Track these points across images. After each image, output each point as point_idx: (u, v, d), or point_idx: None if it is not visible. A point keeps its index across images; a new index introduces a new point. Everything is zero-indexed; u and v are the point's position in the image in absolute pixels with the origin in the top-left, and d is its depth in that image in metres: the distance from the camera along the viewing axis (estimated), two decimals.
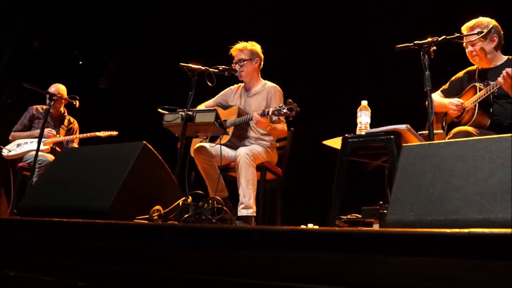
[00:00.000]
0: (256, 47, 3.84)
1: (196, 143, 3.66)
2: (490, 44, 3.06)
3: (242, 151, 3.41)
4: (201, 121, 3.01)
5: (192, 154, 3.58)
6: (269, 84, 3.85)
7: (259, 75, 3.89)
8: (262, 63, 3.86)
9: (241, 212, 3.33)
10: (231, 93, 3.96)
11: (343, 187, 2.87)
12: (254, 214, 3.38)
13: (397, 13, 4.62)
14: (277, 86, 3.82)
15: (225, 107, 3.91)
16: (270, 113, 3.35)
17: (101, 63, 6.79)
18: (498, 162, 1.32)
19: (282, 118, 3.53)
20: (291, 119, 3.41)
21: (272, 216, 3.73)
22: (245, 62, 3.77)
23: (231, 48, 3.84)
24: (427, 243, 1.12)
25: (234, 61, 3.79)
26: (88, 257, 1.66)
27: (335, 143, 3.02)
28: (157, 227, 1.72)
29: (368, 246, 1.18)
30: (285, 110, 3.31)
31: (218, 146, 3.47)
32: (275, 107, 3.37)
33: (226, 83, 3.93)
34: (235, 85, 4.00)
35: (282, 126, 3.67)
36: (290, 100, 3.33)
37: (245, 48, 3.80)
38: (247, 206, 3.34)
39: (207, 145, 3.52)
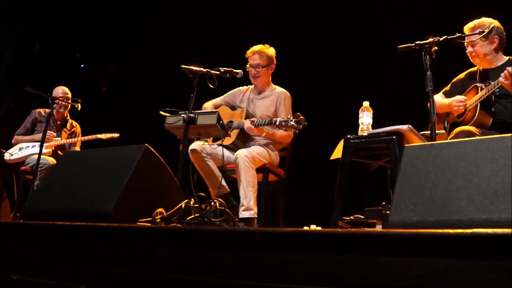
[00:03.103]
0: (273, 51, 3.81)
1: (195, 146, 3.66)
2: (490, 45, 3.05)
3: (241, 152, 3.41)
4: (203, 123, 3.01)
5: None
6: (279, 89, 3.84)
7: (270, 80, 3.89)
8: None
9: (242, 214, 3.34)
10: (239, 94, 3.95)
11: (345, 188, 2.87)
12: (255, 216, 3.38)
13: (399, 14, 4.62)
14: (287, 92, 3.81)
15: (232, 107, 3.91)
16: (277, 124, 3.35)
17: (103, 65, 6.81)
18: (500, 161, 1.32)
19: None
20: (297, 132, 3.40)
21: (275, 217, 3.73)
22: (262, 68, 3.75)
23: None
24: (430, 244, 1.12)
25: (249, 64, 3.77)
26: (91, 260, 1.66)
27: (339, 153, 3.01)
28: (160, 229, 1.72)
29: (371, 247, 1.18)
30: (292, 123, 3.30)
31: (215, 146, 3.48)
32: (283, 118, 3.36)
33: (228, 84, 3.94)
34: (245, 86, 3.99)
35: (285, 133, 3.64)
36: (299, 113, 3.32)
37: (263, 53, 3.76)
38: (247, 208, 3.34)
39: (207, 145, 3.53)
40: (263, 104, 3.78)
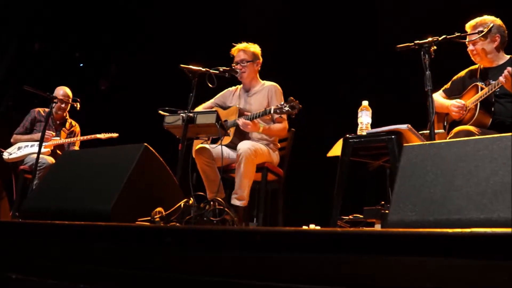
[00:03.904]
0: (258, 49, 3.86)
1: (197, 145, 3.66)
2: (491, 44, 3.05)
3: (244, 145, 3.40)
4: (202, 123, 3.01)
5: (193, 155, 3.59)
6: (268, 83, 3.86)
7: (258, 76, 3.91)
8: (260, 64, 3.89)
9: (234, 201, 3.38)
10: (229, 95, 3.96)
11: (344, 188, 2.87)
12: (245, 205, 3.41)
13: (398, 13, 4.62)
14: (277, 85, 3.84)
15: (224, 108, 3.91)
16: (272, 112, 3.36)
17: (102, 65, 6.80)
18: (499, 161, 1.32)
19: (284, 116, 3.54)
20: (293, 117, 3.41)
21: (274, 217, 3.73)
22: (248, 63, 3.78)
23: (234, 46, 3.85)
24: (429, 243, 1.12)
25: (235, 61, 3.80)
26: (91, 259, 1.66)
27: (337, 150, 3.01)
28: (159, 229, 1.72)
29: (370, 246, 1.18)
30: (287, 108, 3.31)
31: (219, 147, 3.47)
32: (277, 106, 3.38)
33: (226, 84, 3.94)
34: (233, 87, 4.01)
35: (280, 126, 3.66)
36: (292, 98, 3.33)
37: (247, 49, 3.81)
38: (240, 197, 3.37)
39: (208, 146, 3.53)
40: (256, 101, 3.79)
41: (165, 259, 1.51)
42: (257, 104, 3.76)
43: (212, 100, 3.99)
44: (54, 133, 4.72)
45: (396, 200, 1.44)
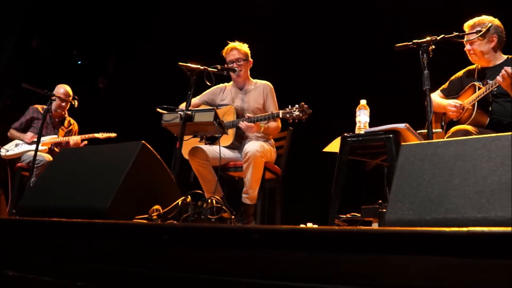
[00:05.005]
0: (248, 48, 3.87)
1: (188, 145, 3.63)
2: (489, 44, 3.06)
3: (252, 147, 3.39)
4: (200, 121, 3.01)
5: (185, 156, 3.56)
6: (261, 81, 3.88)
7: (249, 74, 3.91)
8: None
9: (245, 200, 3.47)
10: (219, 92, 3.94)
11: (342, 186, 2.87)
12: (255, 203, 3.52)
13: (397, 12, 4.62)
14: (270, 83, 3.86)
15: (212, 106, 3.88)
16: (281, 116, 3.40)
17: (101, 63, 6.79)
18: (497, 160, 1.32)
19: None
20: (303, 121, 3.42)
21: (271, 215, 3.73)
22: (243, 62, 3.79)
23: (227, 45, 3.85)
24: (426, 242, 1.12)
25: (228, 60, 3.80)
26: (88, 257, 1.66)
27: (334, 147, 3.02)
28: (156, 226, 1.72)
29: (367, 245, 1.18)
30: (296, 113, 3.33)
31: (214, 147, 3.48)
32: (285, 110, 3.41)
33: (223, 82, 3.94)
34: (222, 84, 3.99)
35: (276, 124, 3.70)
36: (303, 103, 3.35)
37: (241, 49, 3.82)
38: (251, 197, 3.47)
39: (202, 146, 3.52)
40: (251, 98, 3.79)
41: (162, 257, 1.51)
42: (253, 102, 3.77)
43: (199, 97, 3.96)
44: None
45: (394, 199, 1.44)
